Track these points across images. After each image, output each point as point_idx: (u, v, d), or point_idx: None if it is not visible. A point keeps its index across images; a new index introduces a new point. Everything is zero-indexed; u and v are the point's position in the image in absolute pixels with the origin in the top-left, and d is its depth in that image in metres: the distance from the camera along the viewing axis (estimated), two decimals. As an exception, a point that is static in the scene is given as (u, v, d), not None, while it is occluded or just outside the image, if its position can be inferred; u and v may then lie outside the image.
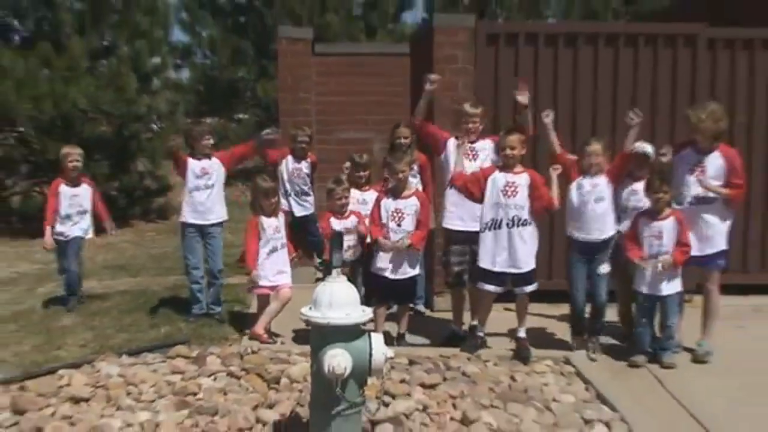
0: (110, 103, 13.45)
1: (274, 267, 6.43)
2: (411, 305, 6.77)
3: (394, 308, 6.56)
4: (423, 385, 4.99)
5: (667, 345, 5.99)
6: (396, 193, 6.24)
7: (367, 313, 3.90)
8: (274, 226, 6.45)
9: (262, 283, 6.39)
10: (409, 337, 6.47)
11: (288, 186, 8.02)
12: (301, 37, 9.56)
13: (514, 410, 4.69)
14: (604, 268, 6.06)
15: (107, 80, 13.87)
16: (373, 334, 3.92)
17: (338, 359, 3.72)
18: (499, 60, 7.70)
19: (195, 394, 4.83)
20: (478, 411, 4.57)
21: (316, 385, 3.93)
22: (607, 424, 4.52)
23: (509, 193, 5.89)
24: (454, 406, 4.71)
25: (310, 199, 8.19)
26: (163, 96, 16.44)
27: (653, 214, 5.92)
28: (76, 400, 4.77)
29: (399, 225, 6.16)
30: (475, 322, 6.47)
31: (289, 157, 8.07)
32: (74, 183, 7.68)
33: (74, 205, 7.64)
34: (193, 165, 7.04)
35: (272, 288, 6.42)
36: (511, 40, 7.74)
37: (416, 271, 6.34)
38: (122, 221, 13.84)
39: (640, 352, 5.99)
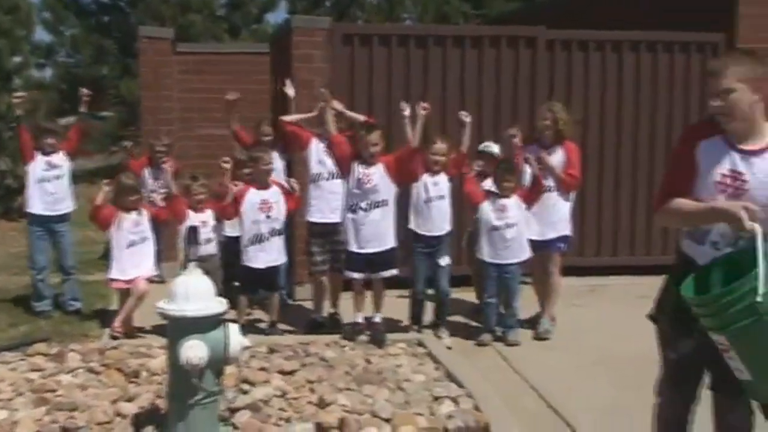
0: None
1: (131, 261, 6.27)
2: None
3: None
4: (282, 372, 4.96)
5: (511, 323, 6.21)
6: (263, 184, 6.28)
7: (223, 304, 3.86)
8: (132, 221, 6.28)
9: (117, 276, 6.25)
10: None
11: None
12: (161, 36, 9.39)
13: (368, 391, 4.73)
14: (445, 260, 6.24)
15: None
16: (229, 324, 3.87)
17: (194, 350, 3.66)
18: (355, 59, 7.77)
19: (54, 390, 4.63)
20: (334, 394, 4.58)
21: (173, 377, 3.85)
22: (455, 400, 4.62)
23: (365, 182, 5.96)
24: (312, 390, 4.71)
25: None
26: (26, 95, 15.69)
27: (499, 194, 6.14)
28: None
29: (268, 216, 6.17)
30: (333, 310, 6.54)
31: (147, 169, 7.93)
32: None
33: None
34: (40, 159, 6.89)
35: (129, 282, 6.26)
36: (366, 41, 7.83)
37: (284, 259, 6.37)
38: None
39: (487, 331, 6.19)
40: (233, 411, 4.21)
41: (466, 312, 6.87)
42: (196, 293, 3.79)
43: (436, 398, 4.65)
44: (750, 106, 3.04)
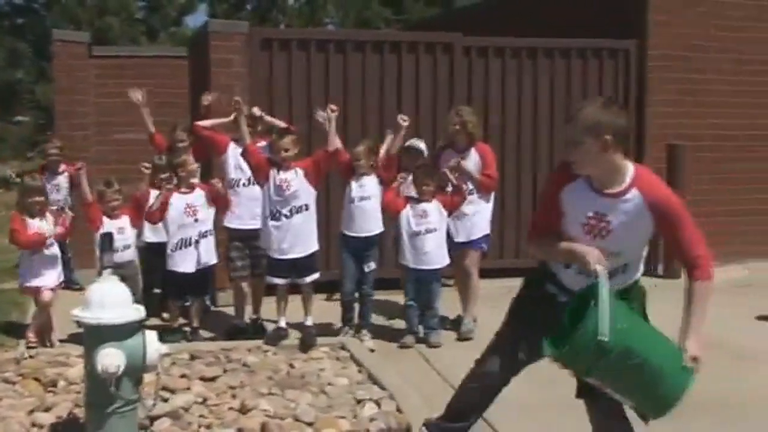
0: None
1: (37, 268, 6.09)
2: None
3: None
4: (203, 378, 4.91)
5: (433, 324, 6.27)
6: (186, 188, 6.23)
7: (140, 311, 3.80)
8: (36, 227, 6.09)
9: (28, 283, 6.10)
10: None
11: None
12: (77, 39, 9.21)
13: (291, 396, 4.72)
14: (371, 266, 6.27)
15: None
16: (147, 331, 3.82)
17: (111, 358, 3.60)
18: (273, 64, 7.74)
19: (-34, 403, 4.51)
20: (256, 399, 4.56)
21: (90, 385, 3.77)
22: (377, 402, 4.65)
23: (284, 188, 5.92)
24: (233, 396, 4.68)
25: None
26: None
27: (419, 200, 6.18)
28: None
29: (196, 220, 6.13)
30: (255, 316, 6.50)
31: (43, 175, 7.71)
32: None
33: None
34: None
35: (36, 290, 6.11)
36: (285, 46, 7.81)
37: (214, 260, 6.34)
38: None
39: (409, 333, 6.24)
40: (153, 419, 4.15)
41: (390, 314, 6.90)
42: (112, 300, 3.73)
43: (359, 401, 4.67)
44: (597, 156, 3.15)
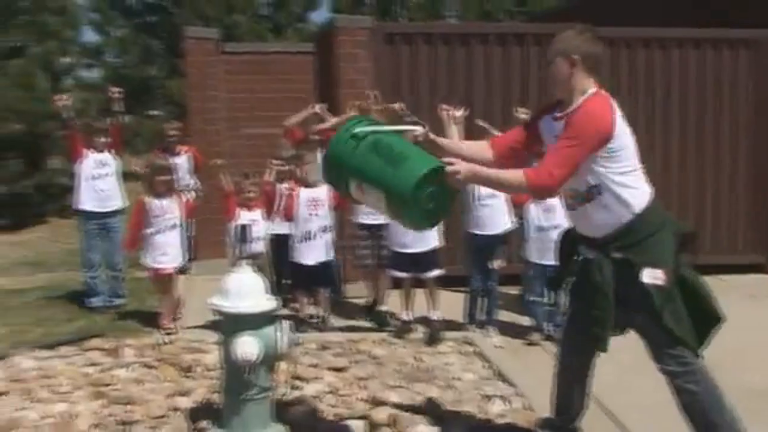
0: (20, 101, 12.99)
1: (160, 249, 6.26)
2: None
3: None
4: (332, 369, 4.99)
5: (560, 321, 6.13)
6: (309, 183, 6.28)
7: (275, 301, 3.88)
8: (161, 206, 6.25)
9: (148, 264, 6.31)
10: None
11: None
12: (207, 36, 9.47)
13: (419, 389, 4.74)
14: (498, 262, 6.17)
15: (17, 80, 13.40)
16: (283, 321, 3.90)
17: (248, 346, 3.69)
18: (398, 58, 7.76)
19: (110, 384, 4.72)
20: (385, 391, 4.59)
21: (227, 372, 3.88)
22: (505, 399, 4.60)
23: None
24: (362, 387, 4.73)
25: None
26: (75, 95, 15.95)
27: None
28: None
29: (317, 215, 6.23)
30: (384, 308, 6.53)
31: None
32: None
33: None
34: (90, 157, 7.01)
35: (158, 270, 6.28)
36: (408, 39, 7.82)
37: (331, 256, 6.38)
38: (38, 218, 13.42)
39: (536, 329, 6.13)
40: (286, 406, 4.23)
41: (515, 310, 6.80)
42: (249, 290, 3.82)
43: (487, 397, 4.63)
44: (565, 78, 3.43)
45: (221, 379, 3.97)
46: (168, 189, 6.36)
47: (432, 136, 3.72)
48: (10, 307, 7.23)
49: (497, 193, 6.06)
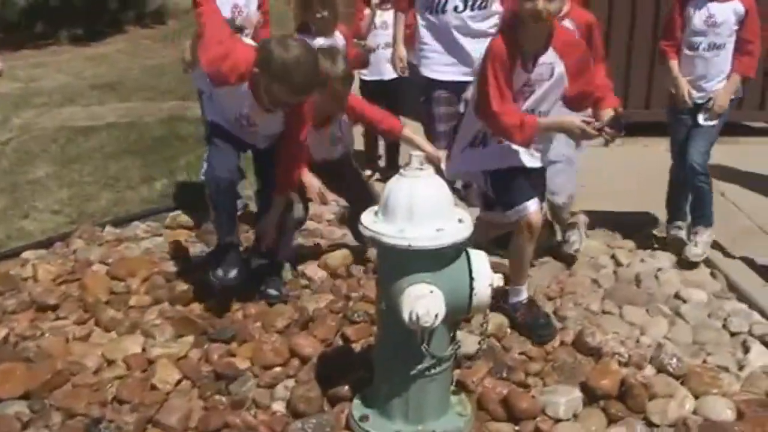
0: None
1: None
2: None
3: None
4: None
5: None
6: None
7: (467, 225, 2.33)
8: None
9: None
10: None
11: None
12: None
13: (633, 317, 3.24)
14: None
15: None
16: (473, 254, 2.36)
17: (425, 303, 2.20)
18: None
19: (202, 301, 3.32)
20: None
21: (386, 334, 2.43)
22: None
23: None
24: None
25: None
26: None
27: None
28: (40, 307, 3.29)
29: None
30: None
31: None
32: None
33: None
34: None
35: None
36: None
37: None
38: (115, 27, 11.89)
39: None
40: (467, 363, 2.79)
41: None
42: (425, 208, 2.27)
43: (735, 335, 3.12)
44: None
45: (375, 346, 2.53)
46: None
47: None
48: (74, 157, 5.64)
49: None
